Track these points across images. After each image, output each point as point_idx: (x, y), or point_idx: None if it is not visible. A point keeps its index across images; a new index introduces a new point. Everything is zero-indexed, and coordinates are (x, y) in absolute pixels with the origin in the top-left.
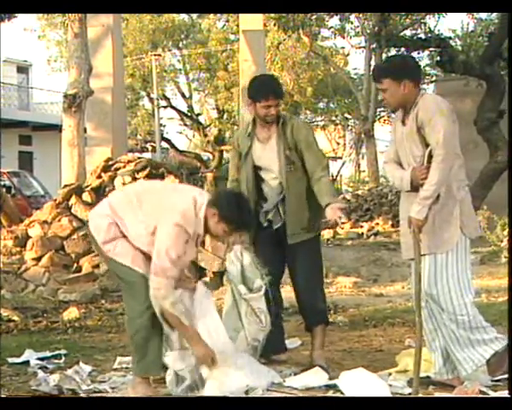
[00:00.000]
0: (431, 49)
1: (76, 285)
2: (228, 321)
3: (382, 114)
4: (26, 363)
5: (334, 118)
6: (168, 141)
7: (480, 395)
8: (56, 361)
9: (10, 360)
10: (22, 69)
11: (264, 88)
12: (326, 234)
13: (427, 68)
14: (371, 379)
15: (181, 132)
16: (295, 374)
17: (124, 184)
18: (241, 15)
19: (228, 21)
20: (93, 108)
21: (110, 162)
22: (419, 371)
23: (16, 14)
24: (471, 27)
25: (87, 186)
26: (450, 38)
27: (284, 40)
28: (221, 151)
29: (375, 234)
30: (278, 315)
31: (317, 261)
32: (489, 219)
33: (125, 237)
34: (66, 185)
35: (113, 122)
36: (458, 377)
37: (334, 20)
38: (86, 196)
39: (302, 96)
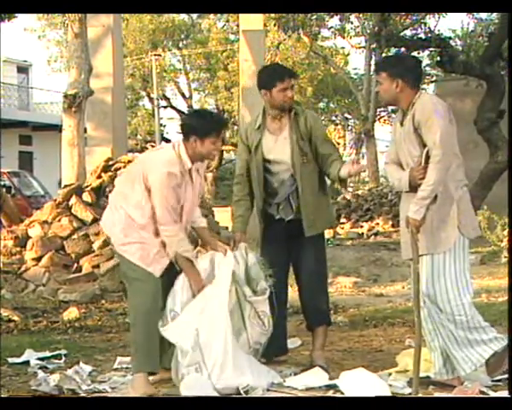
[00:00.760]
0: (431, 49)
1: (76, 285)
2: (231, 321)
3: (382, 114)
4: (26, 363)
5: (334, 118)
6: (168, 141)
7: (480, 395)
8: (56, 361)
9: (10, 360)
10: (22, 69)
11: (277, 71)
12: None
13: (427, 68)
14: (371, 379)
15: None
16: (295, 374)
17: None
18: (241, 15)
19: (228, 21)
20: (93, 108)
21: (110, 162)
22: (419, 371)
23: (16, 14)
24: (471, 27)
25: (87, 186)
26: (450, 38)
27: (284, 40)
28: (221, 151)
29: (376, 234)
30: (282, 316)
31: (321, 261)
32: (489, 219)
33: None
34: (66, 185)
35: (113, 122)
36: (458, 378)
37: (334, 20)
38: (86, 196)
39: (302, 96)
